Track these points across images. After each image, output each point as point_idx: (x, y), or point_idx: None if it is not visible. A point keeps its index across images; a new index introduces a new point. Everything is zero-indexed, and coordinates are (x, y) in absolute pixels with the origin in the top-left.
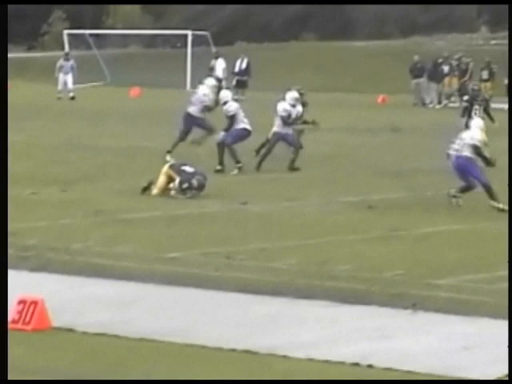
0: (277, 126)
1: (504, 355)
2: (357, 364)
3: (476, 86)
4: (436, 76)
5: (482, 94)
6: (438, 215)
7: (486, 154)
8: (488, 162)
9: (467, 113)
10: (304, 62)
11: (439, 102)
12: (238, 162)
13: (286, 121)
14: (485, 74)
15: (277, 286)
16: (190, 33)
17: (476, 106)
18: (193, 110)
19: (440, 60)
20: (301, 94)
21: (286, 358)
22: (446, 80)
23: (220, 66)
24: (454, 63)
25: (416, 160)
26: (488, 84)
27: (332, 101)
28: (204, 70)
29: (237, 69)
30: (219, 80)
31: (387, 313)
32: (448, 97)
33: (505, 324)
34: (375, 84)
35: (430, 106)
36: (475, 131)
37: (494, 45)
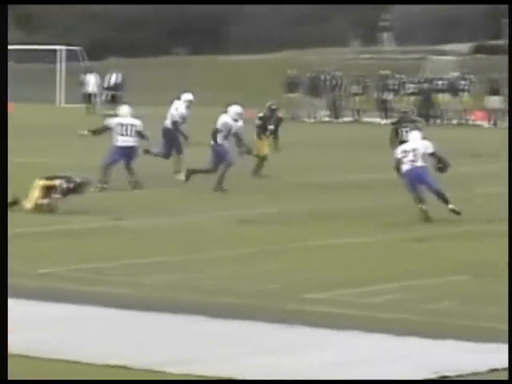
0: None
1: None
2: (232, 380)
3: (405, 109)
4: (313, 90)
5: (408, 115)
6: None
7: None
8: (446, 165)
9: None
10: (176, 77)
11: (314, 117)
12: (104, 181)
13: (224, 135)
14: (355, 88)
15: (147, 301)
16: (61, 48)
17: (402, 129)
18: (167, 123)
19: (314, 74)
20: (273, 110)
21: (163, 373)
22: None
23: (93, 81)
24: (328, 77)
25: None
26: (359, 98)
27: (202, 116)
28: (76, 86)
29: (106, 84)
30: (91, 95)
31: (261, 327)
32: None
33: (375, 338)
34: (246, 98)
35: (306, 120)
36: (423, 141)
37: (366, 59)
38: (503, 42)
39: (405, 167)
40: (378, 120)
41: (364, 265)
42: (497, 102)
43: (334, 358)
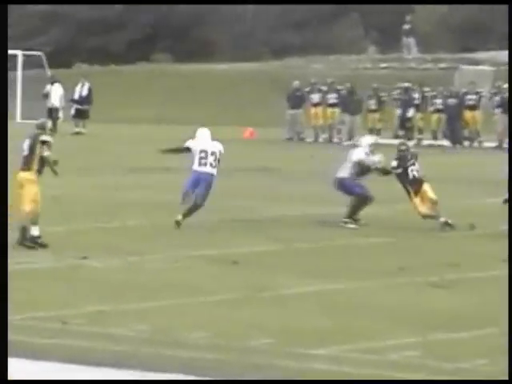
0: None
1: None
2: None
3: (403, 145)
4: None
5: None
6: (309, 272)
7: None
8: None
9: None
10: (154, 88)
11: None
12: None
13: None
14: (372, 104)
15: (119, 355)
16: (19, 53)
17: (411, 168)
18: None
19: (308, 88)
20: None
21: None
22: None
23: (56, 92)
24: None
25: (284, 206)
26: (376, 115)
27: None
28: (37, 97)
29: (76, 96)
30: (55, 109)
31: None
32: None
33: None
34: (240, 115)
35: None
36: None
37: (382, 68)
38: None
39: None
40: (395, 142)
41: (369, 314)
42: None
43: None
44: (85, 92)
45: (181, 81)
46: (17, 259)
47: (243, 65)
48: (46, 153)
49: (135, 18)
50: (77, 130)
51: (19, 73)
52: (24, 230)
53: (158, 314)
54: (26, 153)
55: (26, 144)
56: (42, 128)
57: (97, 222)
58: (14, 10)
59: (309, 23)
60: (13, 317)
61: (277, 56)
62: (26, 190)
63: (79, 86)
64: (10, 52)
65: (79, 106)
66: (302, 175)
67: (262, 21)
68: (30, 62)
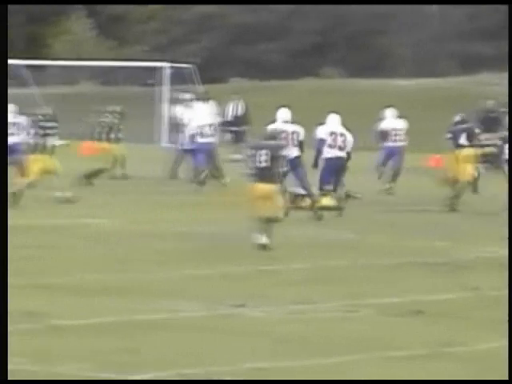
0: None
1: None
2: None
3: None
4: None
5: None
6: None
7: None
8: None
9: None
10: (320, 107)
11: None
12: None
13: None
14: None
15: None
16: (166, 65)
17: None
18: None
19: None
20: None
21: None
22: None
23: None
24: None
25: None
26: None
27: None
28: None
29: (229, 116)
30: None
31: None
32: None
33: None
34: (421, 139)
35: None
36: None
37: None
38: None
39: None
40: None
41: None
42: None
43: None
44: (240, 111)
45: (352, 99)
46: (159, 306)
47: (427, 81)
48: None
49: (305, 20)
50: (237, 157)
51: (166, 88)
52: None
53: (328, 373)
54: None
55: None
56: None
57: (258, 264)
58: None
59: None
60: (157, 373)
61: (465, 70)
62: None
63: (231, 104)
64: (154, 64)
65: (235, 128)
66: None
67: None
68: (176, 77)
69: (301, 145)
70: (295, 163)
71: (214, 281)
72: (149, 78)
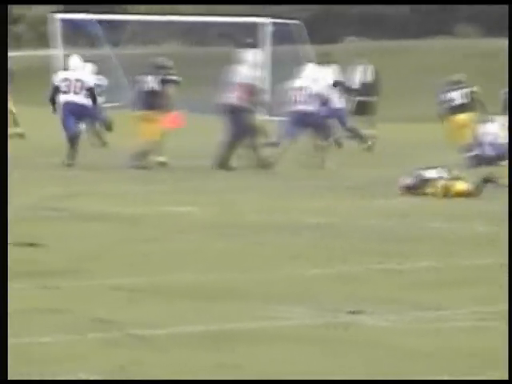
0: None
1: None
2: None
3: None
4: None
5: None
6: None
7: None
8: None
9: None
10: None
11: None
12: None
13: None
14: None
15: None
16: (268, 21)
17: None
18: None
19: None
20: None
21: None
22: None
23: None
24: None
25: None
26: None
27: None
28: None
29: (357, 83)
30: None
31: None
32: None
33: None
34: None
35: None
36: None
37: None
38: None
39: None
40: None
41: None
42: None
43: None
44: (369, 78)
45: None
46: (261, 313)
47: None
48: None
49: None
50: (366, 132)
51: (268, 48)
52: None
53: None
54: None
55: None
56: None
57: (376, 263)
58: None
59: None
60: None
61: None
62: None
63: (359, 69)
64: (254, 19)
65: (363, 98)
66: None
67: None
68: (280, 35)
69: None
70: None
71: (326, 282)
72: (248, 36)
